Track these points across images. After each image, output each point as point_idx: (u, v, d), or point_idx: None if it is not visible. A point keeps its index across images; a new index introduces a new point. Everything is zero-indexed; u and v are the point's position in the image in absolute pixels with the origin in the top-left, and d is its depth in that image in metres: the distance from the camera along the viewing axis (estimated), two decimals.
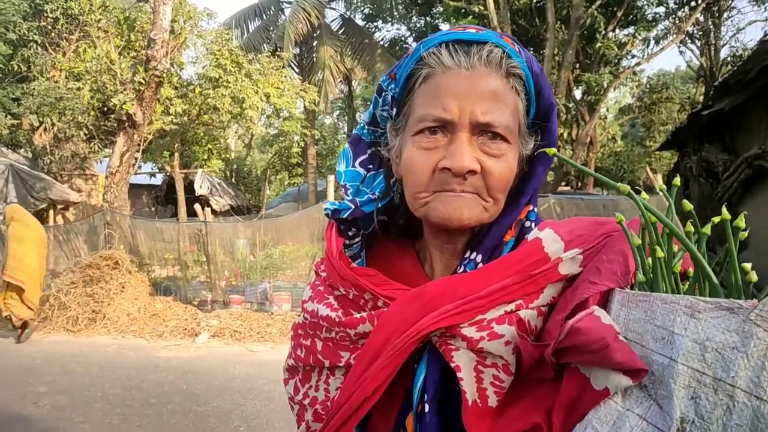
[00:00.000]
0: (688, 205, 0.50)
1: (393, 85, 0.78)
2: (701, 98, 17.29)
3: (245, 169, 25.65)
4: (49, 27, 15.45)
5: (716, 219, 0.50)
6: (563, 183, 19.04)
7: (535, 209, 0.79)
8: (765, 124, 8.67)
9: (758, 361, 0.40)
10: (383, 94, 0.81)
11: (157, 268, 10.71)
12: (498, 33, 0.74)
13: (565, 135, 19.84)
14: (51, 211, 13.79)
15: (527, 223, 0.78)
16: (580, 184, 20.11)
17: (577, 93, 18.17)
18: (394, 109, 0.79)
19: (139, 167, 16.93)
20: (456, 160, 0.70)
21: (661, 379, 0.46)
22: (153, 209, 22.37)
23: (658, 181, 9.60)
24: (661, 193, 0.58)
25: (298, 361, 0.82)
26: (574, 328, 0.53)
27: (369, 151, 0.85)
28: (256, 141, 24.25)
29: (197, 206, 10.89)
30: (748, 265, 0.46)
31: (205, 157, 18.54)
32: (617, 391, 0.49)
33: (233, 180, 23.70)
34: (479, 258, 0.74)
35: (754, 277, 0.45)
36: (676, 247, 0.54)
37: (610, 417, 0.49)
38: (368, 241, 0.87)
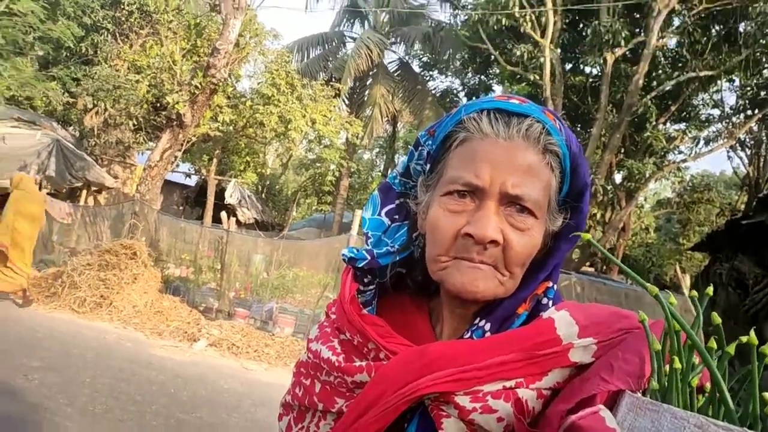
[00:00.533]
0: (717, 319, 0.48)
1: (430, 142, 0.79)
2: (742, 207, 17.04)
3: (277, 187, 26.01)
4: (123, 18, 16.18)
5: (744, 339, 0.49)
6: (588, 263, 18.77)
7: (555, 286, 0.77)
8: None
9: None
10: (419, 148, 0.82)
11: (172, 267, 10.81)
12: (541, 108, 0.75)
13: (599, 216, 19.66)
14: (84, 191, 14.13)
15: (544, 300, 0.76)
16: (605, 267, 19.81)
17: (618, 177, 18.10)
18: (428, 165, 0.80)
19: (177, 165, 17.32)
20: (480, 227, 0.69)
21: None
22: (181, 208, 22.75)
23: (686, 282, 9.40)
24: (689, 299, 0.56)
25: (294, 399, 0.82)
26: (576, 425, 0.51)
27: (397, 202, 0.86)
28: (294, 162, 24.65)
29: (223, 214, 11.04)
30: (767, 395, 0.44)
31: (242, 168, 18.90)
32: None
33: (263, 195, 24.01)
34: (488, 326, 0.73)
35: None
36: (696, 359, 0.53)
37: None
38: (383, 290, 0.86)
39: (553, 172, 0.73)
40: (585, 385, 0.59)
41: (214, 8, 14.34)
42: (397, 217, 0.85)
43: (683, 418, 0.44)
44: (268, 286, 10.41)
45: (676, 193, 21.07)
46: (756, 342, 0.45)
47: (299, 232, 20.06)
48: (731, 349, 0.49)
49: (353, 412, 0.69)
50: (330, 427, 0.75)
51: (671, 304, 0.52)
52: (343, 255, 0.83)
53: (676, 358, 0.49)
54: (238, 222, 17.35)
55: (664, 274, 20.37)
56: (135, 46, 15.89)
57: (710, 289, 0.56)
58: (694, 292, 0.55)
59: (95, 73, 14.50)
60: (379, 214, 0.85)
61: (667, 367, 0.52)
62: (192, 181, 22.20)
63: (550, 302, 0.76)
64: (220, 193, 18.52)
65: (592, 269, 20.19)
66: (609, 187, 16.20)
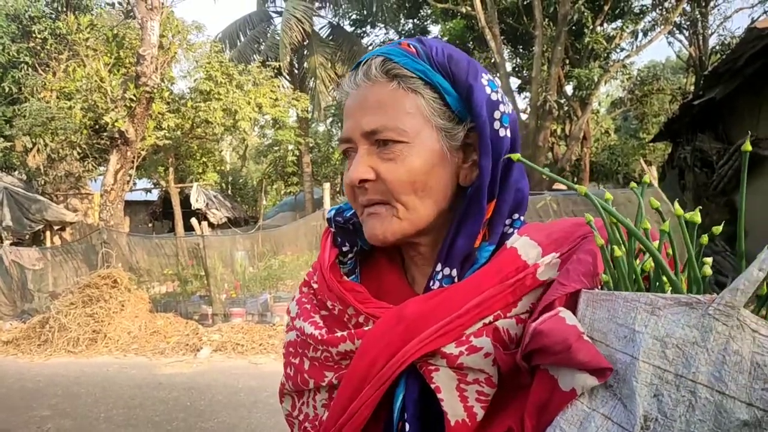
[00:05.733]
0: (655, 203, 0.50)
1: None
2: (692, 88, 17.32)
3: (241, 180, 25.65)
4: (38, 48, 15.48)
5: (681, 212, 0.50)
6: None
7: (522, 218, 0.76)
8: (756, 110, 8.71)
9: (718, 355, 0.40)
10: None
11: (156, 285, 10.69)
12: (397, 41, 0.77)
13: (559, 131, 19.87)
14: (47, 233, 13.78)
15: (510, 230, 0.75)
16: (575, 179, 20.15)
17: (569, 88, 18.20)
18: None
19: (134, 184, 16.91)
20: (349, 173, 0.74)
21: (624, 377, 0.46)
22: (150, 225, 22.36)
23: (653, 173, 9.63)
24: (632, 190, 0.58)
25: (288, 380, 0.83)
26: (537, 330, 0.53)
27: None
28: (251, 152, 24.27)
29: (193, 220, 10.88)
30: (708, 259, 0.46)
31: (200, 170, 18.55)
32: (584, 391, 0.49)
33: (229, 192, 23.69)
34: (454, 272, 0.73)
35: (708, 271, 0.45)
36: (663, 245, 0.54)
37: (577, 418, 0.49)
38: (365, 257, 0.87)
39: (416, 92, 0.72)
40: (548, 294, 0.61)
41: (129, 14, 13.83)
42: None
43: (634, 300, 0.46)
44: (257, 279, 10.37)
45: (627, 91, 21.28)
46: (681, 212, 0.47)
47: (274, 220, 19.91)
48: (665, 226, 0.50)
49: (348, 388, 0.70)
50: (325, 400, 0.76)
51: (606, 199, 0.53)
52: (329, 213, 0.85)
53: (616, 248, 0.51)
54: (210, 225, 17.15)
55: (632, 171, 20.78)
56: (59, 73, 15.24)
57: (647, 178, 0.57)
58: (634, 184, 0.56)
59: (25, 110, 13.92)
60: None
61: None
62: (154, 196, 21.76)
63: (515, 231, 0.75)
64: (185, 201, 18.20)
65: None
66: (562, 101, 16.33)
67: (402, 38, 0.79)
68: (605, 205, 0.52)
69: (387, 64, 0.73)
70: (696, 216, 0.46)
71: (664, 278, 0.48)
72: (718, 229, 0.50)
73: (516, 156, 0.64)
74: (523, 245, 0.69)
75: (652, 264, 0.54)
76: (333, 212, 0.84)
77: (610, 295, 0.49)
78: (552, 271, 0.65)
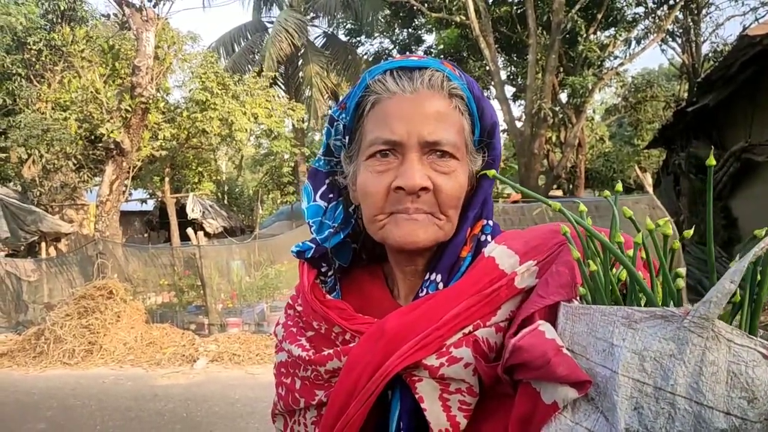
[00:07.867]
0: (628, 212, 0.50)
1: (344, 115, 0.81)
2: (686, 95, 17.41)
3: (237, 190, 25.63)
4: (33, 59, 15.48)
5: (654, 227, 0.51)
6: (555, 186, 19.09)
7: (490, 222, 0.80)
8: (749, 117, 8.76)
9: (695, 367, 0.41)
10: (335, 123, 0.83)
11: (152, 295, 10.64)
12: (439, 60, 0.78)
13: (554, 138, 19.93)
14: (43, 244, 13.72)
15: (482, 237, 0.78)
16: (571, 186, 20.19)
17: (563, 96, 18.28)
18: (347, 138, 0.81)
19: (130, 194, 16.88)
20: (408, 178, 0.72)
21: (605, 391, 0.46)
22: (146, 235, 22.30)
23: (648, 180, 9.66)
24: (650, 192, 0.59)
25: (280, 399, 0.84)
26: (517, 346, 0.54)
27: (327, 182, 0.87)
28: (247, 162, 24.27)
29: (189, 230, 10.85)
30: (682, 271, 0.46)
31: (196, 180, 18.51)
32: (566, 404, 0.50)
33: (225, 202, 23.65)
34: (439, 278, 0.75)
35: (681, 283, 0.45)
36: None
37: None
38: (344, 273, 0.88)
39: (463, 115, 0.76)
40: (525, 306, 0.61)
41: (124, 26, 13.85)
42: (331, 196, 0.87)
43: (611, 314, 0.46)
44: (254, 288, 10.34)
45: (621, 98, 21.36)
46: (652, 226, 0.47)
47: (271, 229, 19.85)
48: (638, 238, 0.51)
49: (335, 405, 0.71)
50: (315, 417, 0.78)
51: (581, 212, 0.54)
52: (292, 251, 0.84)
53: (591, 262, 0.51)
54: (206, 234, 17.09)
55: (627, 178, 20.84)
56: (53, 84, 15.25)
57: (619, 186, 0.58)
58: (607, 192, 0.56)
59: (20, 121, 13.89)
60: (315, 200, 0.86)
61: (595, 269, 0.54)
62: (150, 206, 21.70)
63: (488, 237, 0.78)
64: (181, 211, 18.15)
65: (560, 191, 20.57)
66: (557, 108, 16.39)
67: (442, 57, 0.80)
68: (579, 220, 0.53)
69: (450, 82, 0.75)
70: (668, 228, 0.47)
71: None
72: (689, 233, 0.51)
73: (492, 172, 0.66)
74: (500, 254, 0.71)
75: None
76: (296, 252, 0.84)
77: (588, 309, 0.50)
78: (530, 279, 0.67)
